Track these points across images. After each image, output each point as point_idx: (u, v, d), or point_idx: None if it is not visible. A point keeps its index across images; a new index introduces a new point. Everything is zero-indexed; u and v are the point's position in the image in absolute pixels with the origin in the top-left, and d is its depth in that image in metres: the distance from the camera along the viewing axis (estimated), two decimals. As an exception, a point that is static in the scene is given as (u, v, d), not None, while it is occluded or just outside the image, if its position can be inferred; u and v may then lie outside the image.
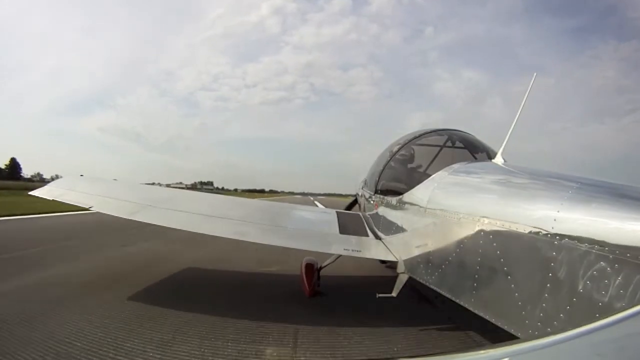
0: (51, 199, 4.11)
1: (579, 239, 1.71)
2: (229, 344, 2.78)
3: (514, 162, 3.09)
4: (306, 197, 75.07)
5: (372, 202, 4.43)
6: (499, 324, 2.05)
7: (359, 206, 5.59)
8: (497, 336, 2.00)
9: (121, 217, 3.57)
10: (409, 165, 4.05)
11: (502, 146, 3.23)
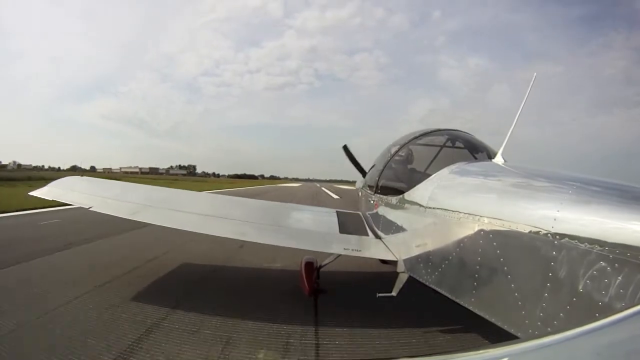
0: (51, 199, 4.10)
1: (579, 239, 1.71)
2: (226, 346, 2.77)
3: (515, 160, 3.09)
4: (312, 184, 72.38)
5: (372, 201, 4.43)
6: (499, 324, 2.05)
7: (359, 205, 5.59)
8: (497, 336, 2.00)
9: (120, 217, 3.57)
10: (409, 165, 4.06)
11: (502, 146, 3.23)
